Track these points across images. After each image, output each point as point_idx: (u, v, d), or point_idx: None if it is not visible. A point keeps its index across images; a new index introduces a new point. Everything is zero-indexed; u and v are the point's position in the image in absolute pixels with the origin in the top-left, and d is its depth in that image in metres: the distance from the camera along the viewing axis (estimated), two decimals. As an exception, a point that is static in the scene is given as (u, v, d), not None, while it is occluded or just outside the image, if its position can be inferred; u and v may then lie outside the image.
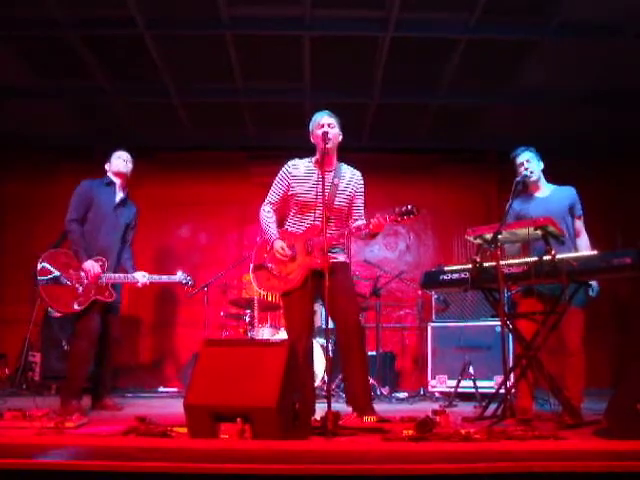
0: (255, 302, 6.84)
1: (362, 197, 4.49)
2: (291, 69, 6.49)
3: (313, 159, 4.45)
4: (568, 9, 5.41)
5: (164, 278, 5.45)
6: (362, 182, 4.49)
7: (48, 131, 7.95)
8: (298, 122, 7.32)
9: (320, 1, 5.44)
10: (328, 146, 4.18)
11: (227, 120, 7.69)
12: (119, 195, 5.40)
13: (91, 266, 5.02)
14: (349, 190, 4.41)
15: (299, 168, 4.41)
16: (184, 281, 5.44)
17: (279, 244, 4.27)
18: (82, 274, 5.03)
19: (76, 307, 5.00)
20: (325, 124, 4.29)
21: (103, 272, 5.06)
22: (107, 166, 5.44)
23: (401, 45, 5.96)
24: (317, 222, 4.24)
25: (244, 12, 5.60)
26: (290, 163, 4.46)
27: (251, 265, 4.46)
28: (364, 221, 4.31)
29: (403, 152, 8.36)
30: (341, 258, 4.36)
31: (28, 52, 6.14)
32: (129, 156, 5.48)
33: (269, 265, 4.32)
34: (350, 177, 4.44)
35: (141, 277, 5.21)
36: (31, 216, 8.17)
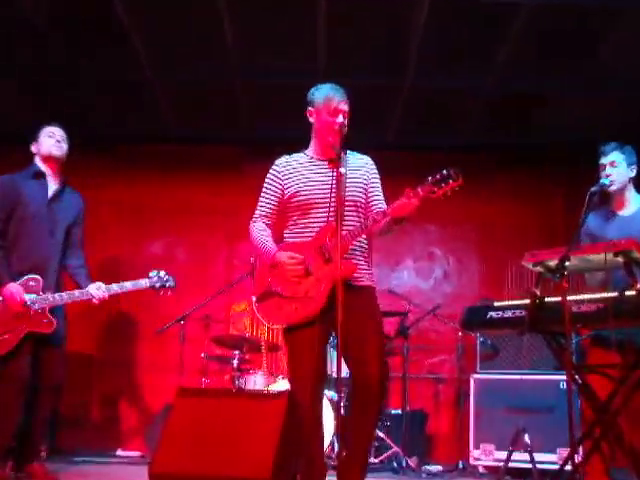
0: (247, 341, 6.83)
1: (379, 184, 4.46)
2: (301, 42, 6.51)
3: (310, 150, 4.45)
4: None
5: (128, 286, 5.36)
6: (374, 167, 4.48)
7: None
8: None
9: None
10: (339, 140, 4.11)
11: (217, 106, 7.76)
12: (52, 187, 5.40)
13: (11, 292, 5.01)
14: (362, 179, 4.38)
15: (292, 164, 4.39)
16: (157, 284, 5.44)
17: (284, 255, 4.17)
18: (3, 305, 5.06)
19: (1, 349, 5.02)
20: (342, 111, 4.24)
21: (36, 294, 5.06)
22: (34, 148, 5.47)
23: (444, 10, 5.94)
24: (330, 220, 4.10)
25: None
26: (279, 162, 4.44)
27: (253, 298, 4.33)
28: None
29: (441, 151, 8.34)
30: (365, 278, 4.26)
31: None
32: (63, 134, 5.52)
33: (277, 289, 4.19)
34: (359, 163, 4.43)
35: (95, 290, 5.16)
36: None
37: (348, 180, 4.24)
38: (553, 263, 4.05)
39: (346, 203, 4.18)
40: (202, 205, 8.42)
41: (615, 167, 4.69)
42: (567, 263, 3.97)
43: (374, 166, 4.48)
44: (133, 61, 6.84)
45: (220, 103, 7.68)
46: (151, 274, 5.42)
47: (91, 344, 8.10)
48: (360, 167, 4.41)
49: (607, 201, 4.83)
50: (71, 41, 6.60)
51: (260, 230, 4.36)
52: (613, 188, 4.70)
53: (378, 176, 4.48)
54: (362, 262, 4.29)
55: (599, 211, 4.86)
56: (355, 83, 6.79)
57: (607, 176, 4.67)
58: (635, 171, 4.76)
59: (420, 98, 7.36)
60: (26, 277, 5.11)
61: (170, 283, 5.47)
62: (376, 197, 4.39)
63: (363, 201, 4.35)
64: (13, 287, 5.03)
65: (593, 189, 4.44)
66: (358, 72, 6.93)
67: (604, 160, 4.73)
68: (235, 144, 8.51)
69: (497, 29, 6.22)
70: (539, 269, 4.19)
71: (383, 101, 7.41)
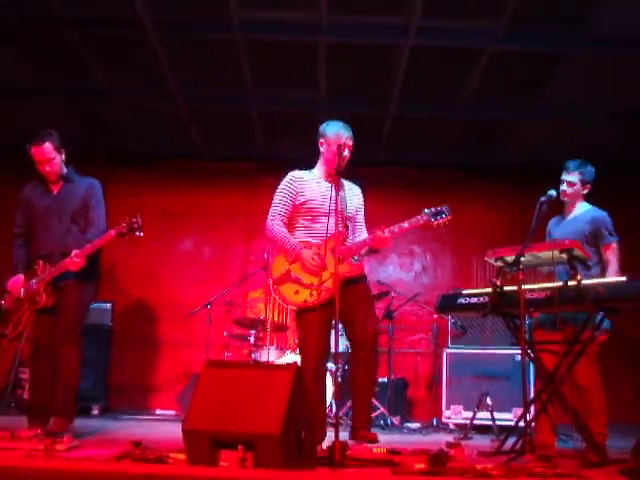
0: (261, 322, 6.85)
1: (363, 211, 4.65)
2: (305, 77, 6.53)
3: (317, 171, 4.53)
4: (603, 18, 5.39)
5: (98, 243, 4.70)
6: (362, 196, 4.66)
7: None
8: (311, 133, 7.37)
9: (337, 6, 5.47)
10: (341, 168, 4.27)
11: (236, 129, 7.75)
12: (56, 186, 5.04)
13: (13, 281, 4.90)
14: (354, 202, 4.55)
15: (304, 177, 4.48)
16: (124, 230, 4.68)
17: (309, 253, 4.27)
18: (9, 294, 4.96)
19: (14, 330, 4.90)
20: (348, 146, 4.37)
21: (36, 275, 4.82)
22: None
23: (422, 54, 5.98)
24: (337, 230, 4.18)
25: (257, 15, 5.64)
26: (292, 173, 4.52)
27: (270, 280, 4.43)
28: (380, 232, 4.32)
29: (421, 167, 8.37)
30: (359, 273, 4.44)
31: (28, 51, 6.21)
32: (47, 149, 4.88)
33: (296, 278, 4.29)
34: (352, 189, 4.59)
35: (68, 259, 4.70)
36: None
37: (347, 201, 4.44)
38: (510, 258, 4.08)
39: (347, 219, 4.41)
40: (224, 210, 8.41)
41: (571, 187, 4.68)
42: (522, 259, 4.00)
43: (361, 195, 4.66)
44: (167, 92, 6.86)
45: (239, 127, 7.68)
46: (122, 223, 4.72)
47: (135, 325, 8.12)
48: (353, 193, 4.58)
49: (555, 209, 4.83)
50: (114, 72, 6.62)
51: (281, 227, 4.43)
52: (565, 200, 4.70)
53: (363, 204, 4.66)
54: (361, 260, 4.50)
55: (558, 216, 4.87)
56: (350, 111, 6.88)
57: (563, 192, 4.66)
58: (588, 189, 4.72)
59: (403, 124, 7.36)
60: (34, 266, 4.88)
61: (135, 224, 4.69)
62: (359, 222, 4.60)
63: (353, 216, 4.53)
64: (15, 278, 4.91)
65: (542, 199, 4.44)
66: (353, 102, 6.95)
67: (565, 177, 4.67)
68: (251, 160, 8.49)
69: (465, 68, 6.25)
70: (499, 263, 4.21)
71: (374, 125, 7.40)
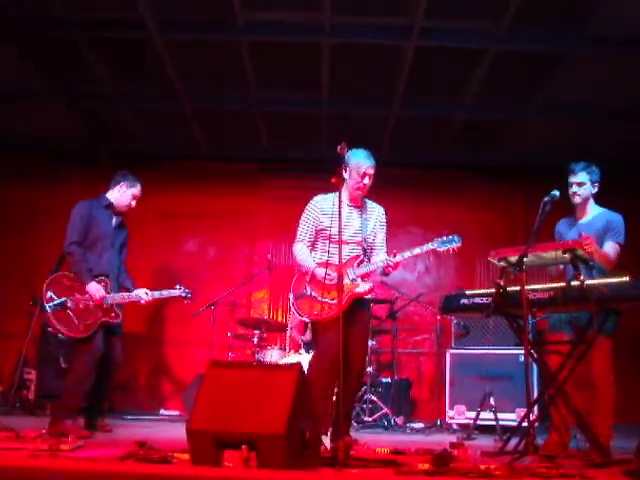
0: (265, 323, 6.85)
1: (383, 231, 4.78)
2: (308, 78, 6.53)
3: (340, 195, 4.56)
4: (603, 18, 5.41)
5: (165, 293, 5.62)
6: (384, 216, 4.80)
7: (50, 136, 8.04)
8: (314, 134, 7.38)
9: (340, 7, 5.47)
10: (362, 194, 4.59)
11: (239, 130, 7.75)
12: (115, 218, 5.49)
13: (96, 289, 5.14)
14: (373, 224, 4.70)
15: (327, 204, 4.62)
16: (184, 294, 5.71)
17: (322, 271, 4.48)
18: (87, 297, 5.14)
19: (85, 331, 5.09)
20: (369, 175, 4.55)
21: (106, 293, 5.19)
22: (117, 191, 5.44)
23: (424, 55, 5.98)
24: (354, 253, 4.56)
25: (260, 16, 5.65)
26: (316, 199, 4.72)
27: (291, 295, 4.70)
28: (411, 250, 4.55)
29: (424, 167, 8.36)
30: (369, 294, 4.67)
31: (28, 51, 6.22)
32: (139, 193, 5.55)
33: (311, 293, 4.55)
34: (373, 211, 4.75)
35: (143, 294, 5.37)
36: (30, 225, 8.22)
37: (368, 225, 4.66)
38: (514, 259, 4.08)
39: (366, 243, 4.62)
40: (228, 210, 8.40)
41: (581, 186, 4.66)
42: (525, 259, 4.00)
43: (384, 215, 4.80)
44: (170, 93, 6.86)
45: (242, 128, 7.67)
46: (179, 287, 5.70)
47: (138, 325, 8.09)
48: (375, 214, 4.75)
49: (575, 210, 4.81)
50: (117, 72, 6.63)
51: (303, 250, 4.70)
52: (577, 201, 4.67)
53: (385, 223, 4.80)
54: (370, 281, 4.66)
55: (567, 218, 4.83)
56: (353, 111, 6.88)
57: (574, 193, 4.65)
58: (597, 188, 4.71)
59: (406, 124, 7.35)
60: (97, 279, 5.21)
61: (189, 295, 5.76)
62: (379, 241, 4.74)
63: (372, 241, 4.69)
64: (96, 285, 5.15)
65: (546, 199, 4.41)
66: (356, 103, 6.95)
67: (573, 179, 4.66)
68: (254, 161, 8.47)
69: (467, 68, 6.25)
70: (502, 264, 4.21)
71: (376, 126, 7.39)
